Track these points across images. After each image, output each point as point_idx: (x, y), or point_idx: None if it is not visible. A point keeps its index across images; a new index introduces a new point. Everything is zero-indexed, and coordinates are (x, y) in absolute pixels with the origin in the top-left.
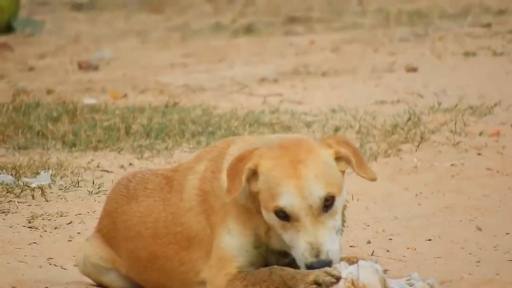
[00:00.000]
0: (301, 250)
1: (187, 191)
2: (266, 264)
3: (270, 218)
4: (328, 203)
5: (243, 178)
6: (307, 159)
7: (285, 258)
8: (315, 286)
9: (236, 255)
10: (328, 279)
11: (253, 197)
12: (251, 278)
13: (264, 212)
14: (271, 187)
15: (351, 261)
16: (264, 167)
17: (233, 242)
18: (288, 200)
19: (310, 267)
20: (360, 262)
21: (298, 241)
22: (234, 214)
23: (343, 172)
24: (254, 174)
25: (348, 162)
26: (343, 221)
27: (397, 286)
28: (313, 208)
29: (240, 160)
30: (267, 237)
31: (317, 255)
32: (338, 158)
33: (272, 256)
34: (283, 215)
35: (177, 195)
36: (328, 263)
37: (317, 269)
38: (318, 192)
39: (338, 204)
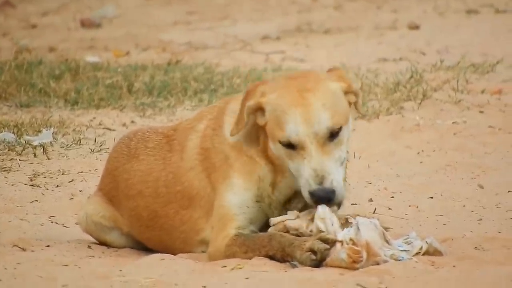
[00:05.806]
0: (305, 177)
1: (188, 150)
2: (267, 221)
3: (277, 148)
4: (334, 132)
5: (244, 115)
6: (315, 88)
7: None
8: (310, 253)
9: (237, 213)
10: (322, 246)
11: (257, 135)
12: (250, 244)
13: (271, 144)
14: (277, 115)
15: (349, 220)
16: (270, 99)
17: (235, 199)
18: (293, 127)
19: (313, 194)
20: (359, 220)
21: (303, 169)
22: (237, 167)
23: (350, 104)
24: (258, 109)
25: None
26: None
27: (396, 245)
28: (319, 136)
29: (244, 98)
30: (273, 188)
31: (321, 183)
32: (347, 92)
33: (275, 211)
34: (289, 144)
35: (177, 155)
36: (332, 192)
37: (312, 237)
38: (325, 121)
39: (344, 134)
